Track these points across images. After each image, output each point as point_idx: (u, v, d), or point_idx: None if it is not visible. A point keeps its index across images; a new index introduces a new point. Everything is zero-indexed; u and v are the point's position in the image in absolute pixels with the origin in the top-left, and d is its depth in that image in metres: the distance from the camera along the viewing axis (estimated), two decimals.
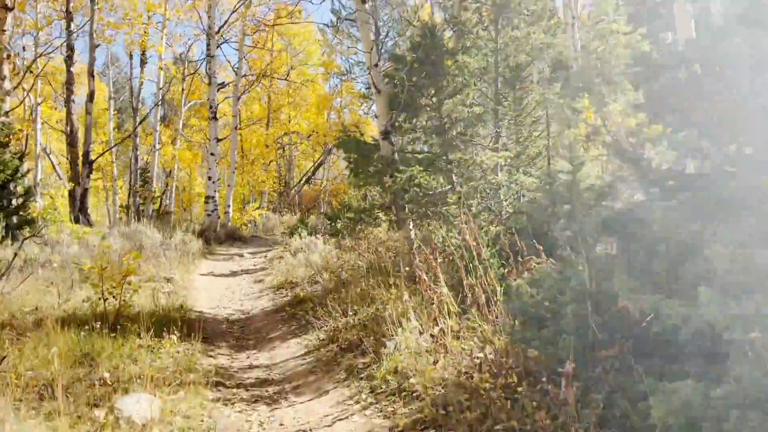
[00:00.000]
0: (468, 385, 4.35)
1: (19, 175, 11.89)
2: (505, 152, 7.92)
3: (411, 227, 8.38)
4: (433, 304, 5.14)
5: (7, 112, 12.07)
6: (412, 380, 4.54)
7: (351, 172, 9.04)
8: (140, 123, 19.44)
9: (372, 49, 8.01)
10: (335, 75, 30.90)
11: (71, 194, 15.75)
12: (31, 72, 16.20)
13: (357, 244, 10.64)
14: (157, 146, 20.88)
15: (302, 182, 29.79)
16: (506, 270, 5.65)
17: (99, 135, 26.30)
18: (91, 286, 6.97)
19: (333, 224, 14.02)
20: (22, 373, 4.68)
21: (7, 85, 12.23)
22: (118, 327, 6.36)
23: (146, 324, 6.34)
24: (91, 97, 15.04)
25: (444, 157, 8.30)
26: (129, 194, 23.05)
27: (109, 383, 4.90)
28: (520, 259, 5.40)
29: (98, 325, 6.12)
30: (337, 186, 31.89)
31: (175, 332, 6.30)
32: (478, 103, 8.56)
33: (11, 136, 11.71)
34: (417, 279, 6.14)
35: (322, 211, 30.07)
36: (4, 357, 4.51)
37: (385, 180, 8.30)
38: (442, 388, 4.42)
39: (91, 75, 15.12)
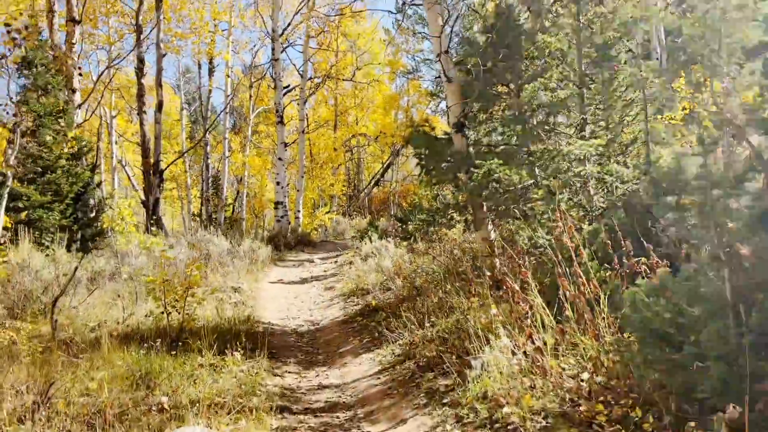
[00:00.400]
0: (575, 416, 3.60)
1: (92, 187, 11.99)
2: (595, 140, 7.03)
3: (490, 227, 7.62)
4: (526, 317, 4.39)
5: (78, 125, 12.18)
6: (505, 409, 3.83)
7: (421, 170, 8.35)
8: (207, 130, 19.55)
9: (441, 33, 7.31)
10: (401, 74, 30.39)
11: (145, 204, 15.91)
12: (103, 84, 16.48)
13: (430, 247, 9.97)
14: (227, 154, 20.97)
15: (371, 185, 29.40)
16: (608, 274, 4.85)
17: (172, 146, 26.92)
18: (153, 300, 6.65)
19: (404, 227, 13.43)
20: (73, 399, 4.33)
21: (77, 98, 12.35)
22: (180, 343, 5.98)
23: (209, 339, 5.92)
24: (159, 107, 15.13)
25: (524, 149, 7.50)
26: (201, 202, 23.35)
27: (167, 408, 4.47)
28: (624, 260, 4.58)
29: (159, 342, 5.76)
30: (406, 187, 31.32)
31: (239, 349, 5.86)
32: (561, 87, 7.70)
33: (84, 149, 11.77)
34: (502, 286, 5.43)
35: (392, 213, 29.59)
36: (52, 383, 4.13)
37: (460, 176, 7.58)
38: (544, 419, 3.69)
39: (159, 85, 15.20)
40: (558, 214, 4.57)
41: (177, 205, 34.16)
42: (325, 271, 12.54)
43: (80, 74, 12.68)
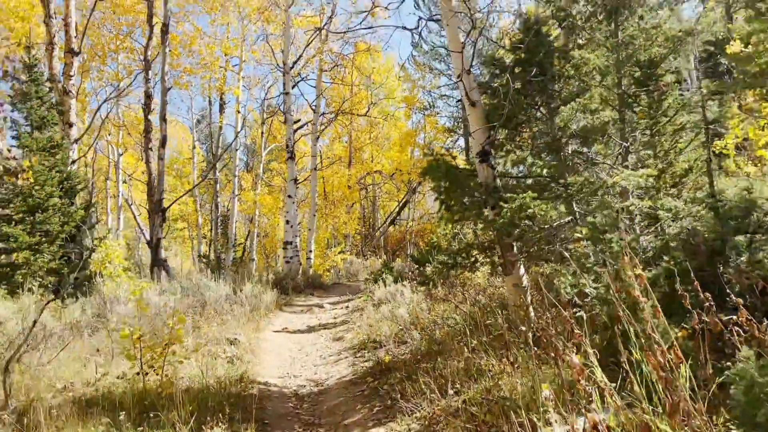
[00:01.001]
0: None
1: (86, 227, 11.17)
2: (644, 170, 6.02)
3: (522, 271, 6.57)
4: (590, 400, 3.31)
5: (74, 161, 11.45)
6: None
7: (441, 206, 7.32)
8: (212, 166, 18.80)
9: (462, 49, 6.42)
10: (417, 110, 29.81)
11: (149, 245, 15.09)
12: (110, 121, 15.90)
13: (451, 293, 8.93)
14: (236, 192, 20.22)
15: (387, 223, 28.45)
16: (680, 331, 3.81)
17: (183, 184, 26.33)
18: (128, 359, 5.66)
19: (421, 269, 12.41)
20: None
21: (74, 132, 11.66)
22: (152, 414, 4.95)
23: (189, 408, 4.89)
24: (163, 142, 14.43)
25: (561, 181, 6.50)
26: (210, 243, 22.54)
27: None
28: (705, 317, 3.52)
29: (126, 412, 4.76)
30: (423, 226, 30.33)
31: (223, 421, 4.83)
32: (601, 109, 6.75)
33: (77, 186, 11.00)
34: (541, 344, 4.37)
35: (408, 253, 28.51)
36: None
37: (485, 212, 6.59)
38: None
39: (162, 119, 14.54)
40: (625, 258, 3.51)
41: (188, 245, 33.47)
42: (334, 318, 11.49)
43: (76, 107, 11.99)
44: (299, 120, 16.58)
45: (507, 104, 6.18)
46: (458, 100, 28.84)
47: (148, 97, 15.56)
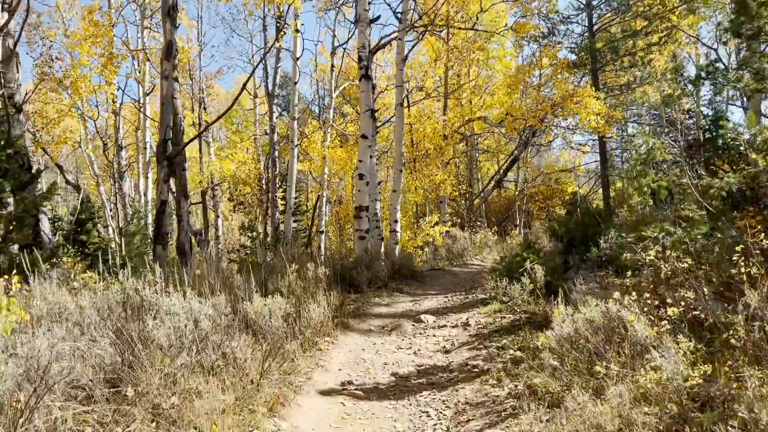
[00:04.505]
0: None
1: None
2: None
3: None
4: None
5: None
6: None
7: None
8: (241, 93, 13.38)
9: None
10: (530, 40, 23.48)
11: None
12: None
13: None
14: (296, 141, 14.90)
15: (491, 186, 22.43)
16: None
17: (244, 144, 21.39)
18: None
19: (607, 252, 6.90)
20: None
21: None
22: None
23: None
24: (168, 51, 9.22)
25: None
26: (266, 210, 17.53)
27: None
28: None
29: None
30: (539, 189, 24.10)
31: None
32: None
33: None
34: None
35: (518, 223, 22.37)
36: None
37: None
38: None
39: (167, 16, 9.29)
40: None
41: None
42: (444, 350, 5.93)
43: None
44: (378, 18, 10.82)
45: None
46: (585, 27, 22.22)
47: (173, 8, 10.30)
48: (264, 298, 5.32)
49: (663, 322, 3.94)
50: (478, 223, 17.78)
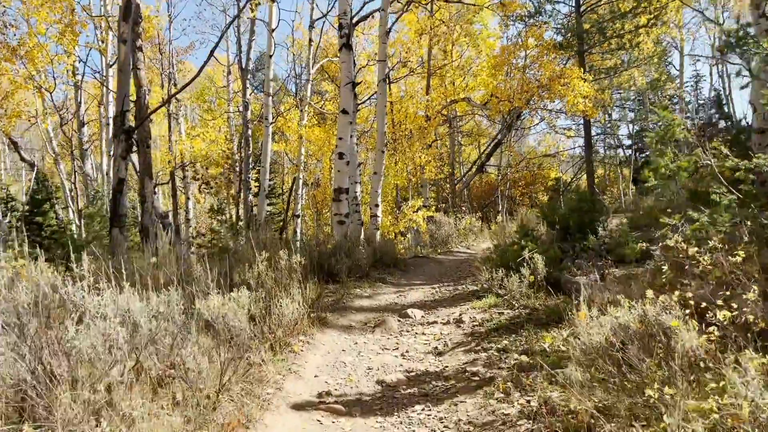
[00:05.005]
0: None
1: None
2: None
3: None
4: None
5: None
6: None
7: None
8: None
9: None
10: (516, 20, 22.79)
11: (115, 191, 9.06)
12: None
13: None
14: (271, 119, 13.95)
15: (473, 170, 21.71)
16: None
17: (217, 122, 20.29)
18: None
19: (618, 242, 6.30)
20: None
21: None
22: None
23: None
24: (126, 12, 8.23)
25: None
26: (238, 190, 16.58)
27: None
28: None
29: None
30: (522, 175, 23.44)
31: None
32: None
33: None
34: None
35: (500, 209, 21.70)
36: None
37: None
38: None
39: None
40: None
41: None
42: (436, 351, 5.18)
43: None
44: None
45: None
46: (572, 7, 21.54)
47: None
48: (228, 293, 4.51)
49: (711, 328, 3.24)
50: (463, 209, 17.06)
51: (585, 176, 21.85)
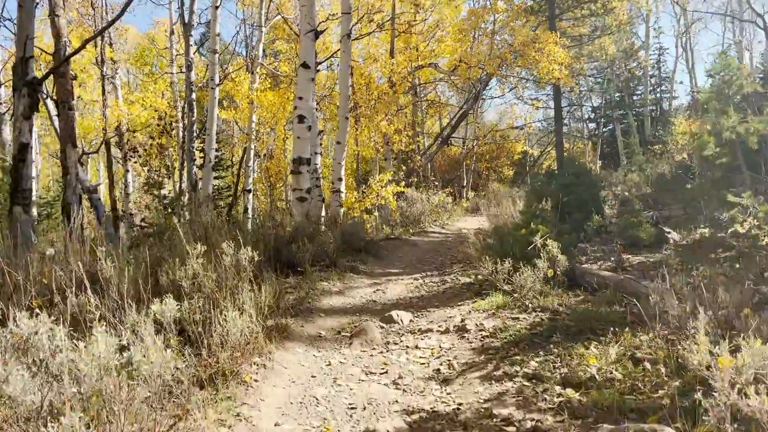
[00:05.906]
0: None
1: None
2: None
3: None
4: None
5: None
6: None
7: None
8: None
9: None
10: None
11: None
12: None
13: None
14: (217, 80, 12.18)
15: (439, 143, 20.36)
16: None
17: (159, 88, 18.26)
18: None
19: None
20: None
21: None
22: None
23: None
24: None
25: None
26: (180, 164, 14.78)
27: None
28: None
29: None
30: (488, 148, 22.24)
31: None
32: None
33: None
34: None
35: (465, 184, 20.49)
36: None
37: None
38: None
39: None
40: None
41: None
42: (441, 376, 3.82)
43: None
44: None
45: None
46: None
47: None
48: (148, 305, 3.04)
49: None
50: (435, 183, 15.73)
51: (554, 150, 20.88)
